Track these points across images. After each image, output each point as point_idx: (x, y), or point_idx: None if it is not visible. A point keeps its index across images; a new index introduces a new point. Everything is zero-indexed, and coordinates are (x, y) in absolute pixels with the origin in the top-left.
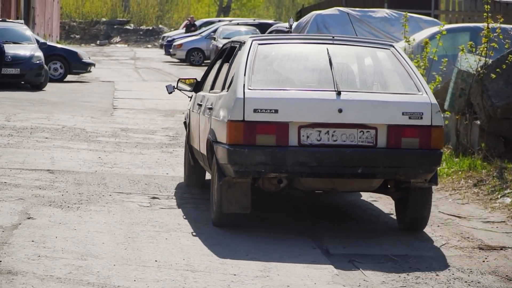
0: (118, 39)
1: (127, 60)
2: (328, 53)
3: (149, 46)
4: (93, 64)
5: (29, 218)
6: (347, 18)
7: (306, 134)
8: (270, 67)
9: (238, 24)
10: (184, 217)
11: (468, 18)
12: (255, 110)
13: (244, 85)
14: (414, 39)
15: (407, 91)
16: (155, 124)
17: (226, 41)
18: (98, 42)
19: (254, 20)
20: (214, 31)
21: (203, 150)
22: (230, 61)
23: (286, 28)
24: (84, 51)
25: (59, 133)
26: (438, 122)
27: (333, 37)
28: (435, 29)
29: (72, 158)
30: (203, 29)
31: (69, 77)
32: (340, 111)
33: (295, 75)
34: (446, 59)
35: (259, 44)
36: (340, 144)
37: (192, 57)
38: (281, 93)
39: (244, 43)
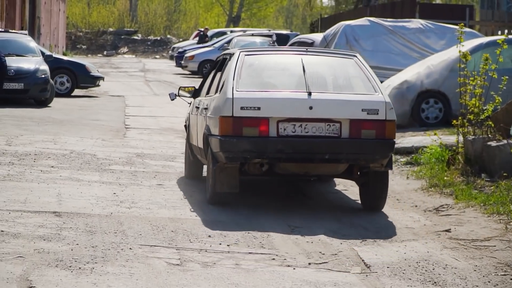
0: (125, 49)
1: (136, 72)
2: (302, 62)
3: (157, 56)
4: (102, 78)
5: None
6: (379, 29)
7: (283, 127)
8: (254, 73)
9: (253, 35)
10: (229, 282)
11: (505, 29)
12: (241, 108)
13: (233, 87)
14: (468, 53)
15: (366, 92)
16: (174, 148)
17: None
18: (105, 52)
19: (269, 30)
20: (228, 42)
21: (200, 144)
22: (222, 70)
23: (310, 40)
24: (92, 63)
25: (66, 160)
26: (391, 117)
27: (307, 49)
28: (477, 41)
29: (82, 194)
30: (215, 40)
31: (77, 92)
32: (311, 108)
33: (275, 79)
34: (506, 77)
35: (245, 55)
36: (311, 135)
37: (205, 69)
38: (263, 94)
39: (233, 54)
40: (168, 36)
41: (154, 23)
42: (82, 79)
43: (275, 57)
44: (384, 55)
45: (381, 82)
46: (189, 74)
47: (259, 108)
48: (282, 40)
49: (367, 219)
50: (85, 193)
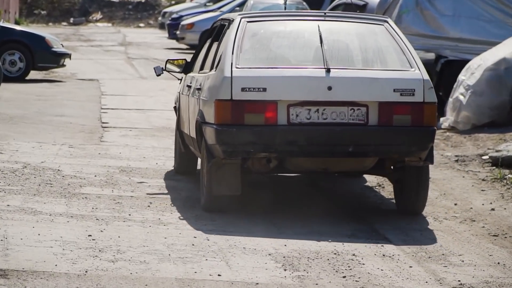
0: (99, 15)
1: (114, 47)
2: (319, 29)
3: (142, 25)
4: (68, 55)
5: None
6: None
7: (295, 113)
8: (259, 45)
9: None
10: None
11: None
12: (243, 89)
13: (231, 63)
14: None
15: (399, 67)
16: (173, 158)
17: None
18: (72, 20)
19: None
20: (241, 5)
21: (193, 134)
22: (219, 40)
23: (361, 2)
24: (54, 35)
25: (17, 180)
26: (430, 98)
27: (325, 13)
28: None
29: (41, 238)
30: (221, 3)
31: (33, 74)
32: (329, 88)
33: (284, 53)
34: None
35: (248, 21)
36: (330, 122)
37: None
38: (270, 71)
39: (232, 21)
40: None
41: None
42: (40, 57)
43: (284, 24)
44: (470, 22)
45: (467, 60)
46: (187, 49)
47: (264, 89)
48: (314, 3)
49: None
50: (45, 235)
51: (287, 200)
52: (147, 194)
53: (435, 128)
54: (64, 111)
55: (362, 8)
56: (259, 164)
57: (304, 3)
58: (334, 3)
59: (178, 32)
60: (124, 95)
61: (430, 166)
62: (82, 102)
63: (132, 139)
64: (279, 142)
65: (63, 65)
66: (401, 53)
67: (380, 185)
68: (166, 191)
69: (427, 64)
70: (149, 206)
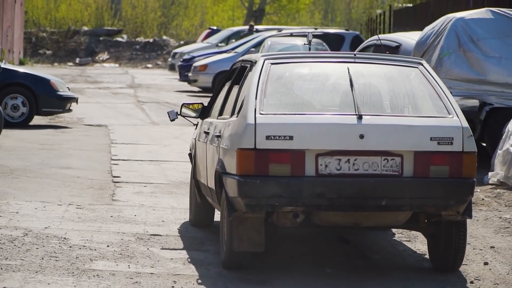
0: (105, 55)
1: (123, 89)
2: (349, 72)
3: (150, 65)
4: (75, 99)
5: None
6: (509, 25)
7: (324, 163)
8: (284, 89)
9: (292, 35)
10: None
11: None
12: (267, 137)
13: (255, 109)
14: None
15: (435, 114)
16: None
17: None
18: (77, 60)
19: (316, 28)
20: (256, 46)
21: (211, 184)
22: (240, 83)
23: (394, 43)
24: (59, 77)
25: (17, 253)
26: (470, 147)
27: (355, 54)
28: None
29: None
30: (235, 43)
31: (37, 120)
32: (361, 137)
33: (312, 97)
34: None
35: (272, 63)
36: (362, 174)
37: None
38: (296, 117)
39: (255, 62)
40: (164, 37)
41: (145, 20)
42: (45, 101)
43: (311, 66)
44: None
45: None
46: (200, 92)
47: (291, 138)
48: (334, 43)
49: None
50: None
51: (312, 255)
52: (170, 273)
53: (475, 179)
54: (70, 162)
55: (395, 49)
56: (284, 219)
57: (324, 44)
58: (364, 44)
59: (190, 74)
60: (135, 143)
61: (491, 232)
62: (90, 151)
63: (147, 197)
64: (307, 195)
65: (69, 110)
66: (437, 98)
67: (410, 239)
68: (191, 266)
69: (470, 111)
70: (173, 287)
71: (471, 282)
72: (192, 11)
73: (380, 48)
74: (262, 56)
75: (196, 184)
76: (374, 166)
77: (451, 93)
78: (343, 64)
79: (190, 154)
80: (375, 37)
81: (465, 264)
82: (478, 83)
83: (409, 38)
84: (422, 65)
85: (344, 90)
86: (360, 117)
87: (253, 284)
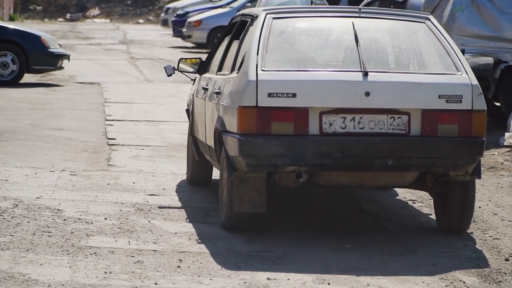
0: (96, 11)
1: (115, 45)
2: (354, 27)
3: (141, 21)
4: (66, 56)
5: None
6: None
7: (328, 121)
8: (286, 44)
9: None
10: None
11: None
12: (269, 95)
13: (257, 65)
14: None
15: (444, 71)
16: (201, 190)
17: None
18: (68, 16)
19: None
20: (252, 1)
21: (210, 142)
22: (240, 38)
23: None
24: (51, 33)
25: (6, 227)
26: (480, 106)
27: (360, 9)
28: None
29: None
30: None
31: (28, 78)
32: (367, 94)
33: (316, 53)
34: None
35: (274, 18)
36: (368, 132)
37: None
38: (300, 74)
39: (256, 17)
40: None
41: None
42: (36, 58)
43: (315, 21)
44: None
45: None
46: (194, 48)
47: (294, 95)
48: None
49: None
50: None
51: (329, 229)
52: (175, 250)
53: (484, 139)
54: (63, 123)
55: (402, 4)
56: (287, 179)
57: None
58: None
59: (184, 30)
60: (130, 102)
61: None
62: (83, 111)
63: (146, 162)
64: (310, 154)
65: (60, 68)
66: (445, 54)
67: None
68: (199, 241)
69: (484, 70)
70: (179, 267)
71: (506, 260)
72: None
73: (386, 3)
74: (264, 10)
75: (193, 141)
76: (380, 124)
77: (463, 50)
78: (348, 19)
79: (187, 110)
80: None
81: (497, 239)
82: (493, 40)
83: None
84: (429, 20)
85: (349, 46)
86: (365, 74)
87: (267, 262)
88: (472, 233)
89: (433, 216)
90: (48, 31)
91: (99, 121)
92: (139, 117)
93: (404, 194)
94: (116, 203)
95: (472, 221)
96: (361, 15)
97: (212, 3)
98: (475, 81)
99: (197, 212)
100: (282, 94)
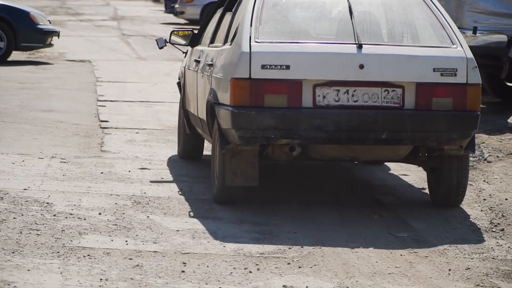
0: None
1: (106, 22)
2: (348, 0)
3: None
4: (56, 33)
5: None
6: None
7: (322, 94)
8: (280, 16)
9: None
10: None
11: None
12: (263, 66)
13: (250, 37)
14: None
15: (439, 44)
16: (203, 176)
17: None
18: None
19: None
20: None
21: (202, 115)
22: (233, 10)
23: None
24: (39, 8)
25: None
26: (474, 79)
27: None
28: None
29: None
30: None
31: (16, 55)
32: (361, 67)
33: (310, 25)
34: None
35: None
36: (362, 105)
37: None
38: (293, 46)
39: None
40: None
41: None
42: (24, 35)
43: None
44: None
45: None
46: (187, 24)
47: (288, 67)
48: None
49: None
50: None
51: (346, 228)
52: (178, 251)
53: (479, 113)
54: (52, 104)
55: None
56: (280, 152)
57: None
58: None
59: (176, 6)
60: (123, 81)
61: None
62: (74, 91)
63: (141, 147)
64: (303, 127)
65: (50, 45)
66: (440, 28)
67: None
68: (203, 241)
69: (498, 48)
70: (183, 271)
71: None
72: None
73: None
74: None
75: (185, 113)
76: (374, 97)
77: (476, 28)
78: None
79: (178, 83)
80: None
81: None
82: (507, 17)
83: None
84: None
85: (343, 18)
86: (360, 46)
87: (281, 266)
88: (503, 230)
89: (455, 209)
90: (38, 6)
91: (90, 102)
92: (133, 98)
93: (422, 184)
94: (111, 195)
95: (501, 216)
96: None
97: None
98: (470, 55)
99: (200, 205)
100: (275, 66)
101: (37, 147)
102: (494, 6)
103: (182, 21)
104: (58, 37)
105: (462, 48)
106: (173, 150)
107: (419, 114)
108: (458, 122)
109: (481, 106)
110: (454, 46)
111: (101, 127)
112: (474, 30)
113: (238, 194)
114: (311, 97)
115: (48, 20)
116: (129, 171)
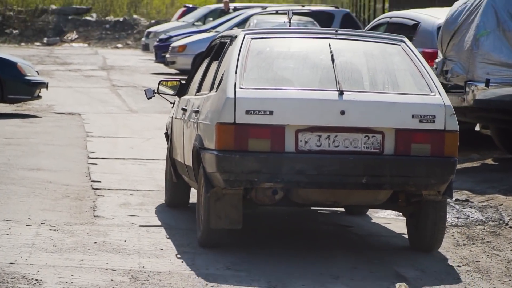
0: (74, 35)
1: (95, 71)
2: (330, 49)
3: (120, 45)
4: (44, 85)
5: None
6: None
7: (304, 139)
8: (264, 64)
9: (277, 12)
10: None
11: None
12: (247, 112)
13: (235, 83)
14: None
15: (417, 92)
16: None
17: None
18: (45, 39)
19: (303, 6)
20: (239, 25)
21: (188, 161)
22: (219, 59)
23: (411, 21)
24: (27, 58)
25: None
26: (452, 126)
27: (336, 31)
28: None
29: None
30: (216, 21)
31: (2, 107)
32: (342, 113)
33: (293, 73)
34: None
35: (252, 38)
36: (343, 151)
37: None
38: (277, 92)
39: (235, 37)
40: (135, 16)
41: None
42: (11, 86)
43: (292, 41)
44: None
45: None
46: (178, 74)
47: (271, 113)
48: (322, 22)
49: None
50: None
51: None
52: None
53: (456, 159)
54: (40, 162)
55: (412, 28)
56: (263, 195)
57: (315, 22)
58: (373, 22)
59: (167, 55)
60: (114, 136)
61: None
62: (63, 147)
63: (137, 211)
64: (286, 171)
65: (38, 97)
66: (419, 76)
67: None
68: None
69: (511, 102)
70: None
71: None
72: None
73: (393, 27)
74: (243, 31)
75: (172, 163)
76: (355, 143)
77: (488, 80)
78: (325, 40)
79: (166, 134)
80: (387, 14)
81: None
82: None
83: (428, 15)
84: (404, 42)
85: (325, 66)
86: (341, 93)
87: None
88: None
89: (455, 258)
90: (25, 56)
91: (81, 159)
92: (126, 155)
93: (451, 258)
94: (106, 269)
95: None
96: (337, 37)
97: (195, 27)
98: (448, 102)
99: (205, 282)
100: (259, 111)
101: (24, 212)
102: (508, 58)
103: (173, 71)
104: (47, 89)
105: (440, 95)
106: (172, 216)
107: (398, 159)
108: (436, 167)
109: (492, 163)
110: (433, 93)
111: (93, 188)
112: (487, 83)
113: (223, 237)
114: (293, 142)
115: (36, 71)
116: (125, 241)
